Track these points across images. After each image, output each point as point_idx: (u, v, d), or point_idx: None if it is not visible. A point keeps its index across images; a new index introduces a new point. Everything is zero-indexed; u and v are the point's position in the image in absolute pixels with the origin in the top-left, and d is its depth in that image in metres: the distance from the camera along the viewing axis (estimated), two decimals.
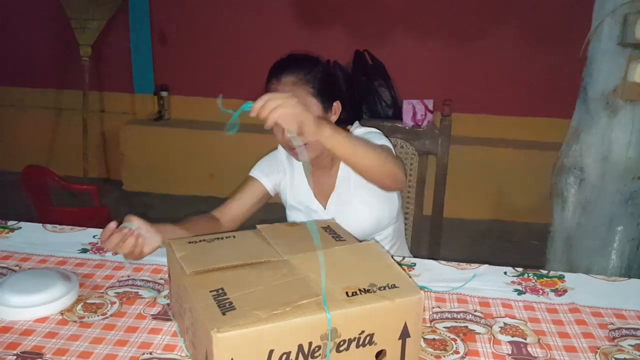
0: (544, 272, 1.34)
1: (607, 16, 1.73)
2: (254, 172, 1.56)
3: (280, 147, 1.57)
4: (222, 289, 0.91)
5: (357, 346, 0.88)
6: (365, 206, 1.49)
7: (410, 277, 0.96)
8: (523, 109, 3.66)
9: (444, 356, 1.01)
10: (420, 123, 3.30)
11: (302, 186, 1.55)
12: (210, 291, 0.90)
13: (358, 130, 1.52)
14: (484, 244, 3.33)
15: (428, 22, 3.64)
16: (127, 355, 0.99)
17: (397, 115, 3.33)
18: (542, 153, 3.33)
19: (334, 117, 1.46)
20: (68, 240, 1.43)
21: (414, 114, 3.29)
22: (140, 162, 3.93)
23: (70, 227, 1.51)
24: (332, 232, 1.15)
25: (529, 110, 3.64)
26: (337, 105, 1.45)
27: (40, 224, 1.52)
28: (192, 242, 1.09)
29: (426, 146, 1.75)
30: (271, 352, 0.83)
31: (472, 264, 1.35)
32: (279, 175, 1.56)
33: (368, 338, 0.89)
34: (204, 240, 1.10)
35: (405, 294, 0.91)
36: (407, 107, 3.28)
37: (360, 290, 0.91)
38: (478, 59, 3.64)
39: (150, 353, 0.99)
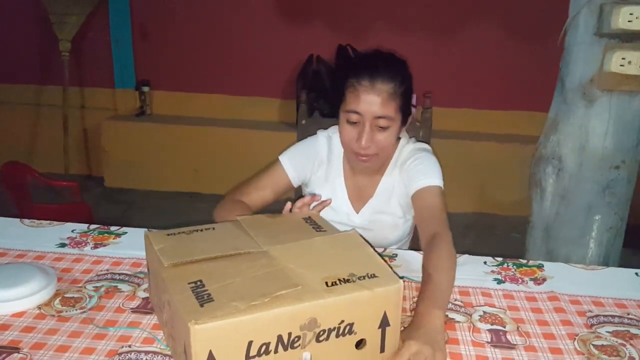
0: (524, 261, 1.35)
1: (584, 7, 1.75)
2: (284, 160, 1.47)
3: (321, 137, 1.51)
4: (200, 281, 0.90)
5: (337, 336, 0.88)
6: (398, 220, 1.48)
7: (390, 267, 0.96)
8: (504, 103, 3.69)
9: None
10: None
11: (339, 185, 1.49)
12: (189, 283, 0.90)
13: (409, 142, 1.47)
14: (466, 236, 3.35)
15: (409, 17, 3.65)
16: (106, 349, 0.98)
17: None
18: (523, 147, 3.36)
19: (404, 128, 1.40)
20: (46, 235, 1.41)
21: None
22: (122, 158, 3.89)
23: (48, 221, 1.49)
24: (313, 223, 1.15)
25: (510, 104, 3.67)
26: (411, 118, 1.40)
27: (18, 219, 1.50)
28: (171, 234, 1.08)
29: None
30: (250, 343, 0.83)
31: None
32: (312, 168, 1.49)
33: (348, 328, 0.89)
34: (183, 232, 1.09)
35: (385, 283, 0.91)
36: None
37: (340, 280, 0.90)
38: (459, 54, 3.65)
39: (129, 346, 0.99)
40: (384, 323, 0.92)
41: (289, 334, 0.85)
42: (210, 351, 0.81)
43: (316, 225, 1.13)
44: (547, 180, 1.91)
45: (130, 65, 3.98)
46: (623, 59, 1.69)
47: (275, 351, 0.85)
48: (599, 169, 1.84)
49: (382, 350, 0.93)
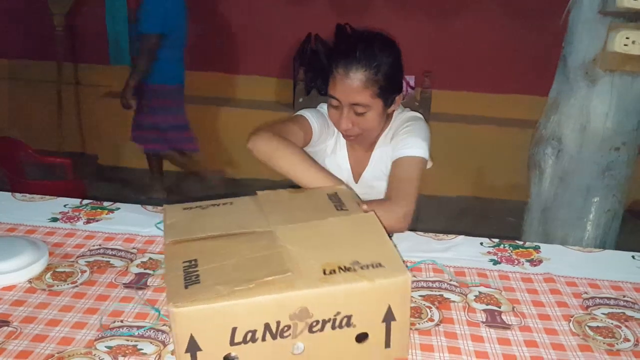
0: (520, 242, 1.34)
1: None
2: (305, 113, 1.47)
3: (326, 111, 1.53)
4: (195, 260, 0.88)
5: (333, 327, 0.84)
6: None
7: (400, 256, 0.90)
8: (504, 87, 3.66)
9: (419, 323, 1.01)
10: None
11: (342, 157, 1.56)
12: (184, 262, 0.87)
13: (402, 114, 1.51)
14: (462, 220, 3.35)
15: None
16: (97, 324, 0.97)
17: None
18: (522, 131, 3.32)
19: (394, 108, 1.44)
20: (38, 209, 1.39)
21: None
22: (116, 136, 3.85)
23: (40, 196, 1.47)
24: (337, 200, 1.09)
25: (510, 88, 3.65)
26: (398, 98, 1.42)
27: (9, 193, 1.48)
28: (188, 208, 1.06)
29: None
30: (234, 329, 0.80)
31: (449, 235, 1.34)
32: (328, 132, 1.51)
33: (345, 320, 0.84)
34: (200, 206, 1.06)
35: (390, 274, 0.85)
36: None
37: (340, 268, 0.85)
38: (459, 36, 3.62)
39: (122, 321, 0.98)
40: (389, 317, 0.86)
41: (278, 323, 0.81)
42: (192, 335, 0.78)
43: (339, 203, 1.08)
44: (546, 161, 1.89)
45: (125, 42, 3.92)
46: (627, 38, 1.66)
47: (263, 339, 0.81)
48: (599, 150, 1.82)
49: (388, 345, 0.88)
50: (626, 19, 1.70)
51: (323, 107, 1.54)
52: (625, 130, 1.80)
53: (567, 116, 1.85)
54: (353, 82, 1.32)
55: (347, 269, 0.85)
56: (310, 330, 0.83)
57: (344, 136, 1.47)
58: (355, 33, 1.43)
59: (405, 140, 1.41)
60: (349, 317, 0.84)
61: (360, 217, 1.03)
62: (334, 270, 0.85)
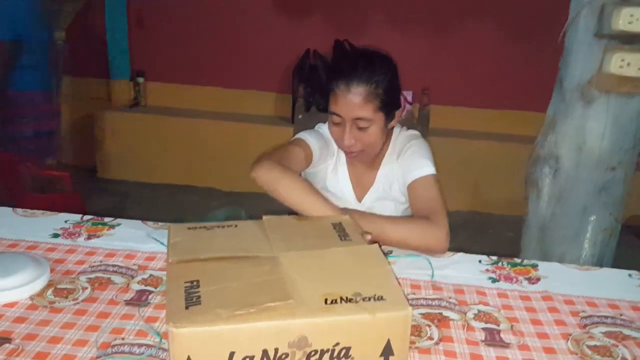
0: (518, 260, 1.35)
1: (584, 7, 1.75)
2: (304, 136, 1.49)
3: (327, 130, 1.56)
4: (197, 281, 0.87)
5: (331, 358, 0.83)
6: (400, 205, 1.55)
7: (402, 290, 0.89)
8: (501, 102, 3.70)
9: (418, 342, 1.01)
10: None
11: (344, 176, 1.57)
12: (185, 282, 0.87)
13: (402, 133, 1.55)
14: (460, 235, 3.35)
15: (408, 14, 3.64)
16: (99, 341, 0.97)
17: None
18: (519, 146, 3.36)
19: (394, 123, 1.48)
20: (39, 225, 1.40)
21: None
22: (115, 149, 3.87)
23: (41, 211, 1.47)
24: (341, 230, 1.10)
25: (507, 104, 3.68)
26: (398, 113, 1.46)
27: (11, 208, 1.48)
28: (192, 228, 1.06)
29: None
30: (232, 354, 0.79)
31: (448, 252, 1.35)
32: (328, 153, 1.54)
33: (344, 351, 0.83)
34: (204, 227, 1.07)
35: (390, 308, 0.84)
36: None
37: (341, 298, 0.84)
38: (457, 52, 3.66)
39: (122, 339, 0.98)
40: (387, 352, 0.84)
41: (276, 350, 0.80)
42: (189, 356, 0.78)
43: (343, 233, 1.08)
44: (543, 180, 1.91)
45: (126, 56, 3.96)
46: (622, 60, 1.69)
47: None
48: (595, 170, 1.84)
49: None
50: (621, 41, 1.73)
51: (321, 127, 1.56)
52: (621, 150, 1.82)
53: (563, 136, 1.87)
54: (355, 97, 1.35)
55: (348, 300, 0.84)
56: None
57: (346, 153, 1.48)
58: (354, 50, 1.47)
59: (414, 161, 1.45)
60: (347, 349, 0.83)
61: (364, 248, 1.02)
62: (336, 300, 0.84)
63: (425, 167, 1.44)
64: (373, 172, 1.56)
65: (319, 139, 1.50)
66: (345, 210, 1.30)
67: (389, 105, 1.40)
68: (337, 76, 1.37)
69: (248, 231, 1.08)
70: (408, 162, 1.47)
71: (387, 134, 1.51)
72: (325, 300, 0.84)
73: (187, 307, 0.81)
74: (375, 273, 0.94)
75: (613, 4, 1.69)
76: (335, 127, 1.42)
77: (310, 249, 1.00)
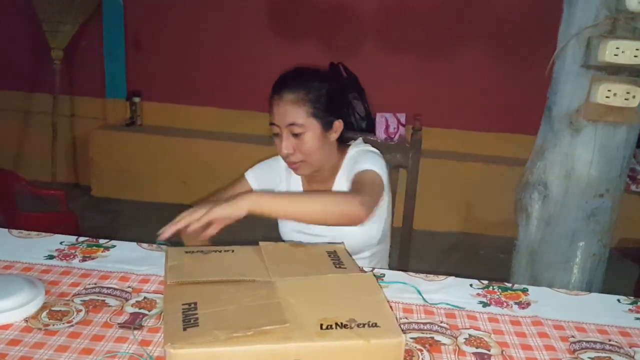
0: (509, 285, 1.37)
1: (572, 38, 1.79)
2: (249, 176, 1.59)
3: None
4: (195, 303, 0.89)
5: None
6: None
7: (395, 318, 0.92)
8: (492, 125, 3.74)
9: None
10: (392, 136, 3.33)
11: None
12: (183, 304, 0.89)
13: (357, 147, 1.56)
14: (452, 256, 3.37)
15: (401, 37, 3.70)
16: None
17: (371, 128, 3.36)
18: (510, 168, 3.40)
19: (335, 135, 1.49)
20: (34, 246, 1.40)
21: (387, 127, 3.32)
22: (110, 168, 3.88)
23: (36, 232, 1.48)
24: (335, 258, 1.12)
25: (498, 126, 3.72)
26: (338, 124, 1.48)
27: (6, 230, 1.49)
28: (189, 252, 1.08)
29: (397, 159, 1.78)
30: None
31: (440, 276, 1.37)
32: (274, 181, 1.60)
33: None
34: (201, 251, 1.09)
35: (384, 335, 0.86)
36: (380, 120, 3.31)
37: (337, 324, 0.86)
38: (449, 76, 3.70)
39: None
40: None
41: None
42: None
43: (338, 261, 1.11)
44: (532, 206, 1.94)
45: (122, 76, 3.98)
46: (609, 90, 1.73)
47: None
48: (583, 197, 1.87)
49: None
50: (608, 72, 1.77)
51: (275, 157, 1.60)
52: (609, 178, 1.85)
53: (552, 163, 1.90)
54: (286, 103, 1.41)
55: (343, 326, 0.86)
56: None
57: (289, 165, 1.49)
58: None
59: (357, 162, 1.46)
60: None
61: (358, 276, 1.05)
62: (331, 326, 0.86)
63: (370, 164, 1.44)
64: (327, 188, 1.55)
65: (265, 171, 1.59)
66: (254, 192, 1.38)
67: (323, 112, 1.42)
68: (273, 89, 1.45)
69: (245, 256, 1.10)
70: (355, 166, 1.46)
71: (337, 149, 1.52)
72: (321, 326, 0.86)
73: (184, 329, 0.82)
74: (369, 300, 0.95)
75: (599, 36, 1.73)
76: (276, 140, 1.45)
77: (306, 275, 1.02)
